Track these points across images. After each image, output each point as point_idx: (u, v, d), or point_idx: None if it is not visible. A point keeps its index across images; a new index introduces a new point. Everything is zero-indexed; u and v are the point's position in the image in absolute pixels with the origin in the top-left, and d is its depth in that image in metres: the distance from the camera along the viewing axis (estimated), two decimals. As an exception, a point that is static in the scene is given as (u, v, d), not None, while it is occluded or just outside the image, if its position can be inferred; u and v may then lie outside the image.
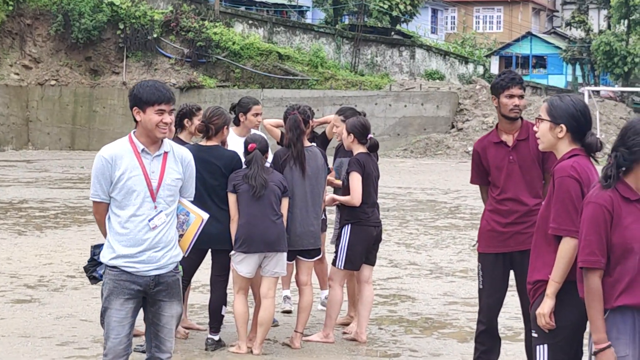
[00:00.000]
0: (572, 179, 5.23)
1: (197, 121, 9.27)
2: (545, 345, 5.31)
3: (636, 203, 5.05)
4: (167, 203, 6.03)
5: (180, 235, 6.19)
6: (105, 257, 6.07)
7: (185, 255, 6.32)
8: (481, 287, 7.51)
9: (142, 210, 5.96)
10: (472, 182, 7.73)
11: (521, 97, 7.42)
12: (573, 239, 5.17)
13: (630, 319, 5.01)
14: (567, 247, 5.19)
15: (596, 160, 5.54)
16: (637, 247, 4.98)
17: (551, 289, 5.26)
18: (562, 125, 5.44)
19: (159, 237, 5.99)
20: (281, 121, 9.76)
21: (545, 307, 5.27)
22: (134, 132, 6.10)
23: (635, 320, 5.01)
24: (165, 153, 6.10)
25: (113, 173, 5.98)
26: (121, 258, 6.00)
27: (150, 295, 6.06)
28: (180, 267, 6.21)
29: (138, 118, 6.04)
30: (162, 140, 6.09)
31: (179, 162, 6.14)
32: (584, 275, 5.03)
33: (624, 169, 5.06)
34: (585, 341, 5.33)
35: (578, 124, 5.44)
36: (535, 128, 5.63)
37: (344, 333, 9.51)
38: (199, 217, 6.18)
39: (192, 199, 6.28)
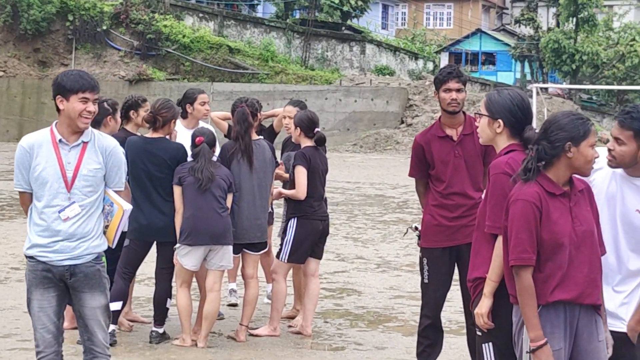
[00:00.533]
0: (506, 176, 5.19)
1: (143, 113, 9.20)
2: (490, 343, 5.30)
3: (560, 197, 5.04)
4: (84, 194, 5.95)
5: (106, 226, 6.12)
6: (24, 247, 6.03)
7: (112, 246, 6.26)
8: (426, 281, 7.52)
9: (56, 201, 5.90)
10: (411, 175, 7.72)
11: (459, 90, 7.41)
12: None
13: (563, 313, 5.03)
14: (502, 246, 5.15)
15: None
16: (567, 241, 4.98)
17: (488, 288, 5.24)
18: (500, 120, 5.42)
19: (73, 229, 5.93)
20: (229, 114, 9.73)
21: (483, 307, 5.26)
22: (55, 122, 6.02)
23: (567, 314, 5.03)
24: (85, 143, 5.99)
25: (31, 163, 5.93)
26: (36, 247, 5.99)
27: (70, 286, 6.01)
28: (103, 258, 6.13)
29: (61, 107, 5.96)
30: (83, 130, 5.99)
31: (99, 152, 6.04)
32: (515, 273, 5.01)
33: (544, 162, 5.07)
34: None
35: (516, 118, 5.42)
36: (476, 123, 5.64)
37: (290, 326, 9.51)
38: (120, 207, 6.10)
39: (121, 189, 6.18)
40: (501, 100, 5.45)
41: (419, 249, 7.69)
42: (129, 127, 9.40)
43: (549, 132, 5.06)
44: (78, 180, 5.93)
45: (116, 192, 6.14)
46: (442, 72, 7.44)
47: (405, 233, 8.48)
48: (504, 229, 5.09)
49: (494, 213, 5.21)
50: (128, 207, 6.16)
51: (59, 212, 5.90)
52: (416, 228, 7.78)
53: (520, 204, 5.00)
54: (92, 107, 5.95)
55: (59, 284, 6.02)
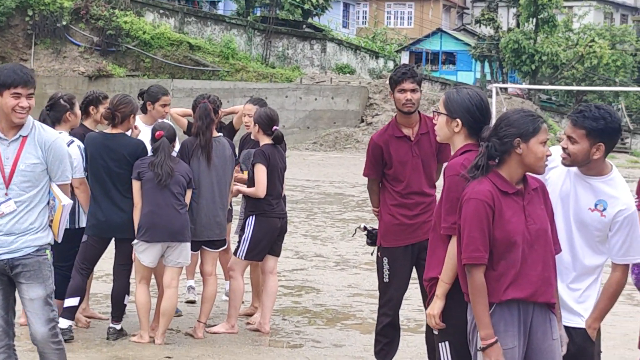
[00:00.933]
0: (461, 178, 5.16)
1: (102, 109, 9.15)
2: (447, 342, 5.33)
3: (514, 196, 5.05)
4: (22, 190, 5.92)
5: (51, 220, 6.09)
6: None
7: (58, 241, 6.23)
8: (387, 280, 7.54)
9: None
10: (366, 174, 7.73)
11: (414, 91, 7.39)
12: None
13: (516, 311, 5.05)
14: (455, 247, 5.15)
15: None
16: (520, 240, 5.00)
17: (441, 289, 5.25)
18: (458, 120, 5.42)
19: (10, 225, 5.91)
20: (188, 110, 9.72)
21: (435, 308, 5.27)
22: None
23: (520, 312, 5.05)
24: (24, 137, 5.94)
25: None
26: None
27: (13, 278, 5.99)
28: (47, 251, 6.09)
29: None
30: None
31: (38, 147, 5.97)
32: (467, 272, 5.02)
33: (497, 161, 5.09)
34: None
35: (474, 118, 5.41)
36: (434, 121, 5.65)
37: (248, 323, 9.51)
38: (60, 202, 6.07)
39: (66, 182, 6.13)
40: (460, 99, 5.44)
41: (374, 248, 7.71)
42: (87, 123, 9.34)
43: (499, 129, 5.08)
44: (16, 175, 5.89)
45: (60, 185, 6.09)
46: (397, 73, 7.43)
47: (354, 234, 8.50)
48: (457, 228, 5.10)
49: (449, 215, 5.22)
50: (67, 202, 6.11)
51: None
52: (365, 228, 7.81)
53: (472, 202, 5.00)
54: (25, 103, 5.87)
55: (2, 277, 6.00)
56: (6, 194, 5.87)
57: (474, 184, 5.07)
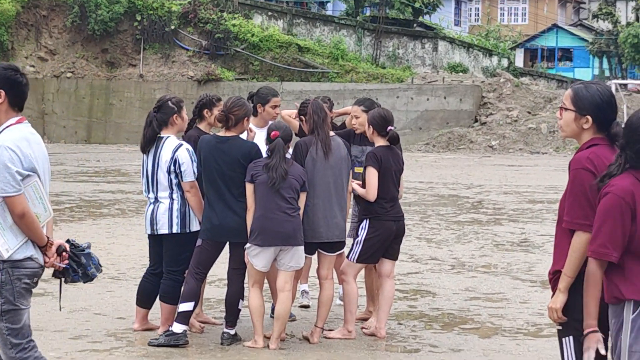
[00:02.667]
0: (586, 172, 5.09)
1: (216, 112, 9.07)
2: (571, 337, 5.19)
3: None
4: None
5: None
6: None
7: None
8: None
9: None
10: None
11: None
12: (586, 233, 5.04)
13: None
14: (579, 241, 5.08)
15: None
16: None
17: (563, 283, 5.16)
18: (588, 117, 5.25)
19: None
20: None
21: (558, 302, 5.17)
22: None
23: None
24: None
25: None
26: None
27: None
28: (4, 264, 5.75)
29: None
30: None
31: None
32: (589, 261, 4.97)
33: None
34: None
35: (604, 114, 5.25)
36: (558, 115, 5.46)
37: (363, 328, 9.32)
38: None
39: (7, 194, 5.66)
40: (589, 96, 5.26)
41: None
42: (202, 126, 9.32)
43: (631, 140, 4.97)
44: None
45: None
46: None
47: None
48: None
49: (573, 209, 5.12)
50: None
51: None
52: None
53: (610, 197, 4.92)
54: None
55: None
56: None
57: (617, 178, 4.96)
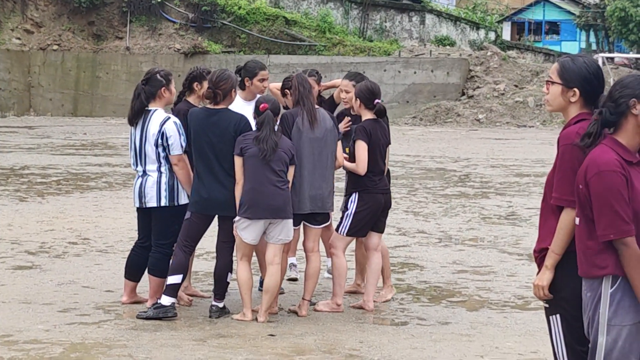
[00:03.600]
0: (575, 147, 5.01)
1: (206, 85, 9.03)
2: (558, 315, 5.16)
3: (636, 166, 4.87)
4: None
5: None
6: None
7: None
8: None
9: None
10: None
11: None
12: (574, 210, 4.98)
13: None
14: (567, 218, 5.02)
15: None
16: None
17: (550, 260, 5.10)
18: (575, 89, 5.19)
19: None
20: (287, 84, 9.58)
21: (544, 279, 5.12)
22: None
23: None
24: None
25: None
26: None
27: None
28: None
29: None
30: None
31: None
32: (619, 246, 4.81)
33: (612, 130, 4.90)
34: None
35: (591, 87, 5.19)
36: (544, 90, 5.41)
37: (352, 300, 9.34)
38: None
39: None
40: (577, 68, 5.20)
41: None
42: (192, 100, 9.29)
43: (614, 92, 4.89)
44: None
45: None
46: None
47: None
48: (578, 202, 4.91)
49: (562, 185, 5.06)
50: None
51: None
52: None
53: (606, 175, 4.80)
54: None
55: None
56: None
57: (596, 154, 4.85)
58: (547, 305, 5.21)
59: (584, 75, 5.18)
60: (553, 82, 5.26)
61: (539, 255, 5.24)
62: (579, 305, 5.06)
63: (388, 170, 9.35)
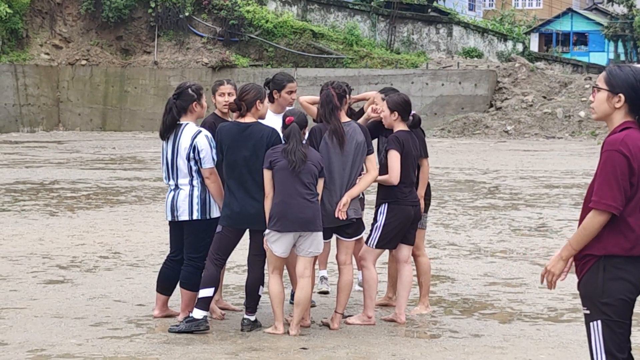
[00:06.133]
0: (620, 154, 5.08)
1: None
2: (599, 321, 5.17)
3: None
4: None
5: None
6: None
7: None
8: None
9: None
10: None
11: None
12: (605, 214, 5.08)
13: None
14: (594, 220, 5.12)
15: None
16: None
17: (566, 252, 5.22)
18: (621, 95, 5.23)
19: None
20: (317, 98, 9.55)
21: (557, 268, 5.24)
22: None
23: None
24: None
25: None
26: None
27: None
28: None
29: None
30: None
31: None
32: None
33: None
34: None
35: (637, 94, 5.22)
36: (591, 97, 5.45)
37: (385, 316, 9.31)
38: None
39: None
40: (623, 75, 5.25)
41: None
42: (218, 112, 9.36)
43: None
44: None
45: None
46: None
47: None
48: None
49: (601, 189, 5.12)
50: None
51: None
52: None
53: None
54: None
55: None
56: None
57: None
58: (587, 312, 5.22)
59: (630, 81, 5.24)
60: (600, 89, 5.32)
61: (581, 262, 5.25)
62: (621, 311, 5.11)
63: (428, 184, 9.35)
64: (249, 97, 8.63)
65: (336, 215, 8.68)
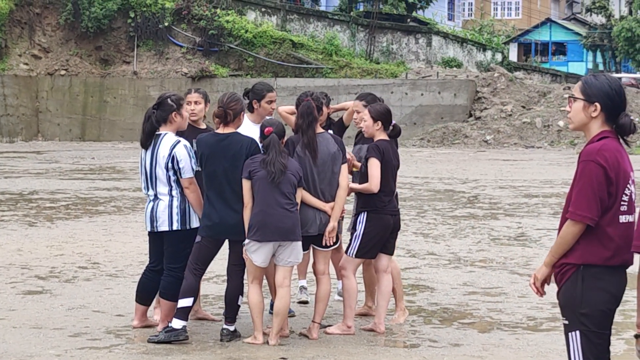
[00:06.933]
0: (596, 165, 5.09)
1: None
2: (578, 332, 5.18)
3: None
4: None
5: None
6: None
7: None
8: None
9: None
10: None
11: None
12: (579, 224, 5.11)
13: None
14: (571, 230, 5.14)
15: (627, 144, 5.33)
16: None
17: (548, 259, 5.28)
18: (597, 104, 5.25)
19: None
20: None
21: (540, 274, 5.30)
22: None
23: None
24: None
25: None
26: None
27: None
28: None
29: None
30: None
31: None
32: None
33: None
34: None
35: (613, 103, 5.25)
36: (567, 108, 5.45)
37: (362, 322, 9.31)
38: None
39: None
40: (599, 84, 5.28)
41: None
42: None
43: None
44: None
45: None
46: None
47: None
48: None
49: (578, 200, 5.13)
50: None
51: None
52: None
53: None
54: None
55: None
56: None
57: None
58: (566, 322, 5.24)
59: (605, 90, 5.26)
60: (575, 99, 5.34)
61: (560, 271, 5.27)
62: (600, 322, 5.12)
63: (396, 193, 9.34)
64: (237, 107, 8.65)
65: (324, 243, 8.74)
